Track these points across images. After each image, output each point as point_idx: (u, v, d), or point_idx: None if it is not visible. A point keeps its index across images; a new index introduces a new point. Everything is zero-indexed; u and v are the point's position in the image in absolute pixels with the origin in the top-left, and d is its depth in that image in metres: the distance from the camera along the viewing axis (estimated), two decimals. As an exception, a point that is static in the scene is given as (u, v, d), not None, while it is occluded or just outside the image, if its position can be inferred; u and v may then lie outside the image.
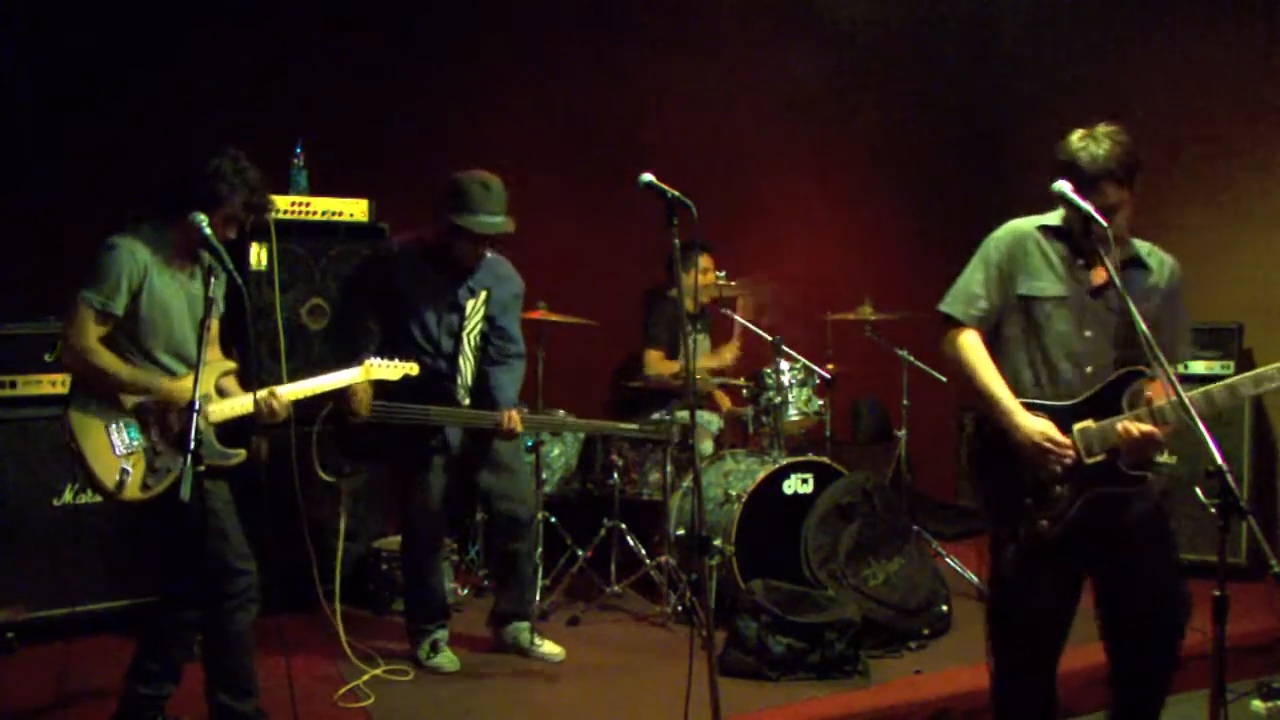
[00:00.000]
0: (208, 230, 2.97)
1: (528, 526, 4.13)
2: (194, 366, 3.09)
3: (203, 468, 2.76)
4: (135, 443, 3.04)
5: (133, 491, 3.01)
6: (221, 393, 3.23)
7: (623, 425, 4.22)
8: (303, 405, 3.41)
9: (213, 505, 3.09)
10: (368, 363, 3.56)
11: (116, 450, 3.01)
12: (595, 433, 4.06)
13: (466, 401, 3.93)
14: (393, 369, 3.61)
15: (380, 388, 3.76)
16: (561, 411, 5.01)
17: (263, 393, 3.18)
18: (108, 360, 3.02)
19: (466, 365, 3.94)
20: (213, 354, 3.32)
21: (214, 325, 3.31)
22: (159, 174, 3.16)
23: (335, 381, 3.47)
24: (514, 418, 3.82)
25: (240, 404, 3.21)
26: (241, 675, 3.21)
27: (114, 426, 3.03)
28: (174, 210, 3.06)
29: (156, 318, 3.09)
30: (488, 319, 4.00)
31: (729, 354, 5.32)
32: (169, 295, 3.11)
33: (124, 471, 3.00)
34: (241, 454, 3.19)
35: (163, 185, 3.13)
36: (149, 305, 3.07)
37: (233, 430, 3.20)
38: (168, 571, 3.21)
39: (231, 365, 3.29)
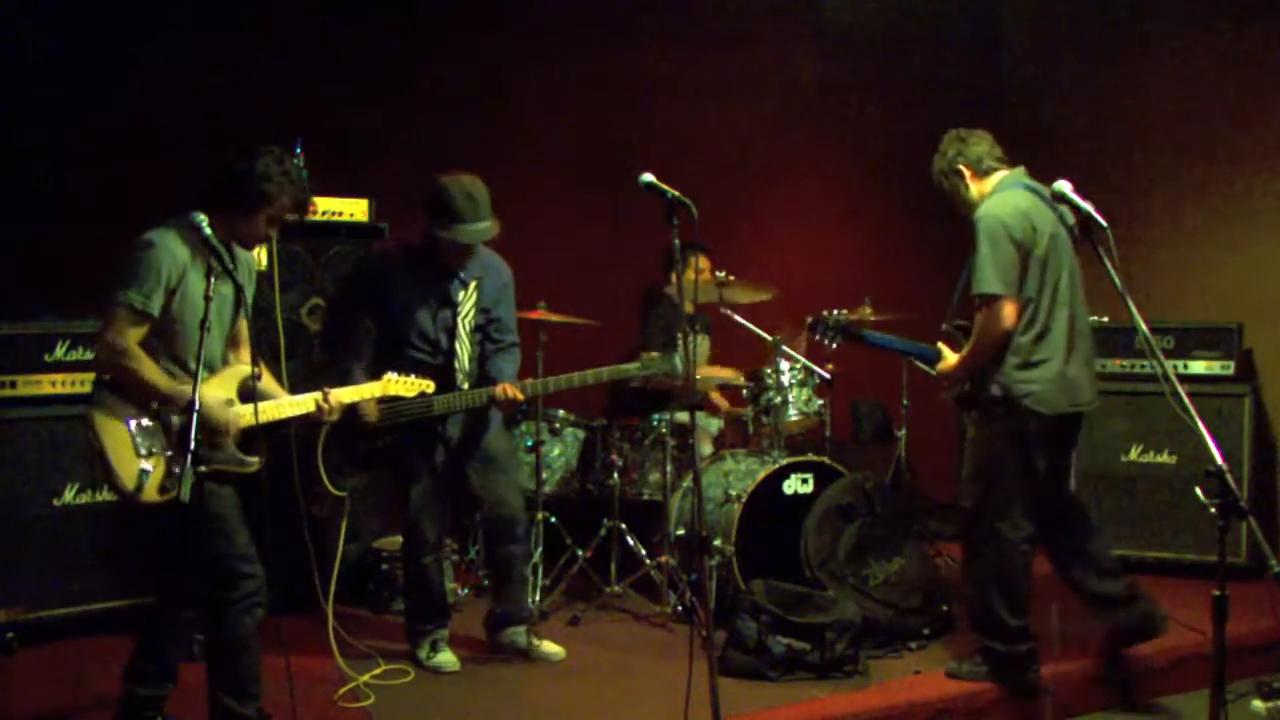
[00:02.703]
0: (208, 230, 2.95)
1: (520, 529, 4.12)
2: (217, 371, 3.11)
3: (203, 468, 2.76)
4: (157, 445, 3.01)
5: (150, 494, 2.98)
6: (248, 396, 3.19)
7: (624, 366, 4.18)
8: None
9: (220, 509, 3.08)
10: (387, 377, 3.63)
11: (139, 451, 2.99)
12: (598, 382, 4.10)
13: (466, 385, 3.94)
14: (409, 385, 3.68)
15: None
16: (562, 411, 5.03)
17: (316, 395, 3.32)
18: (147, 369, 2.98)
19: (463, 350, 3.96)
20: (244, 355, 3.31)
21: (244, 327, 3.30)
22: (202, 173, 3.12)
23: (362, 392, 3.57)
24: (510, 387, 3.88)
25: (293, 403, 3.26)
26: (245, 678, 3.18)
27: (136, 427, 3.00)
28: (218, 210, 3.03)
29: (187, 319, 3.05)
30: (483, 310, 4.02)
31: (727, 374, 5.32)
32: (199, 297, 3.04)
33: (144, 473, 2.97)
34: (256, 462, 3.18)
35: (208, 185, 3.09)
36: (181, 306, 3.03)
37: (250, 437, 3.18)
38: (169, 570, 3.21)
39: (253, 369, 3.28)
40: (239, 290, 3.11)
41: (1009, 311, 3.65)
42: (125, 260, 3.00)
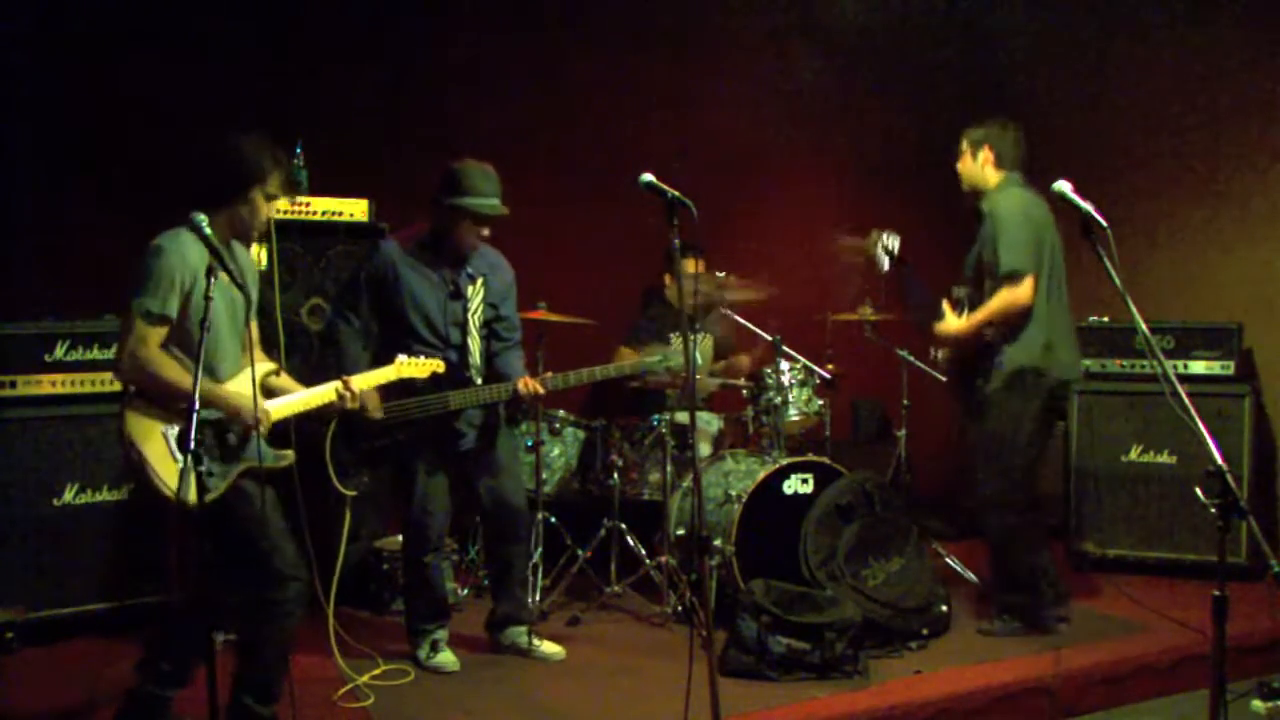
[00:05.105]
0: (208, 230, 2.95)
1: (524, 528, 4.13)
2: (231, 374, 3.10)
3: (204, 468, 2.74)
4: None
5: (190, 496, 2.99)
6: (269, 393, 3.20)
7: (646, 360, 4.25)
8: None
9: (265, 510, 3.05)
10: (400, 360, 3.65)
11: (175, 456, 2.96)
12: (620, 375, 4.19)
13: (479, 381, 3.95)
14: (422, 366, 3.72)
15: (397, 386, 3.80)
16: (562, 411, 5.04)
17: (336, 384, 3.35)
18: (173, 371, 2.96)
19: (474, 344, 3.97)
20: (257, 355, 3.30)
21: (253, 328, 3.28)
22: (192, 171, 3.11)
23: (376, 377, 3.58)
24: (532, 381, 3.91)
25: (316, 395, 3.27)
26: (272, 682, 3.15)
27: (171, 432, 2.98)
28: (222, 200, 3.04)
29: (199, 322, 3.03)
30: (490, 306, 4.04)
31: (745, 361, 5.31)
32: (217, 299, 3.01)
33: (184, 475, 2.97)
34: (290, 455, 3.18)
35: (203, 178, 3.08)
36: (194, 309, 3.00)
37: (278, 432, 3.17)
38: (217, 579, 3.15)
39: (272, 365, 3.29)
40: (246, 293, 3.11)
41: (1030, 286, 4.12)
42: (138, 268, 2.99)
